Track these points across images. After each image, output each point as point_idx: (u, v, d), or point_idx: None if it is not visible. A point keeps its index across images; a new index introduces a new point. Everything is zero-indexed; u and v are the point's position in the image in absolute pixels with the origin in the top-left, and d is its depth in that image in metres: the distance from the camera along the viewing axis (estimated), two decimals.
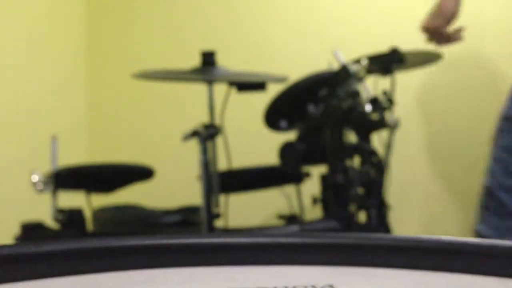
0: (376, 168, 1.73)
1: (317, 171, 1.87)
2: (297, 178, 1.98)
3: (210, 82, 1.71)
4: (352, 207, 1.70)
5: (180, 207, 2.06)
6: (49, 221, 1.81)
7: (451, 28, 1.97)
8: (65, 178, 1.78)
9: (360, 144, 1.74)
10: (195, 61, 1.74)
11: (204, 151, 1.61)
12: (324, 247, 0.53)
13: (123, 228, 1.98)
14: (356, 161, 1.76)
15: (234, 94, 1.85)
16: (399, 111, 1.87)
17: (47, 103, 2.46)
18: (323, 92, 1.79)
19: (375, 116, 1.74)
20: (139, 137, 2.71)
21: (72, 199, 2.04)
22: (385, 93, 1.80)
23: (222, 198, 1.75)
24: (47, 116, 2.44)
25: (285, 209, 2.41)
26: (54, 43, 2.55)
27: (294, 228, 1.73)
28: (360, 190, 1.72)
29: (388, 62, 1.91)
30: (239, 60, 2.44)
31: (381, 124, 1.74)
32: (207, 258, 0.51)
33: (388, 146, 1.79)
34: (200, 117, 1.92)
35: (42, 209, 2.05)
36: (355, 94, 1.75)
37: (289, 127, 1.97)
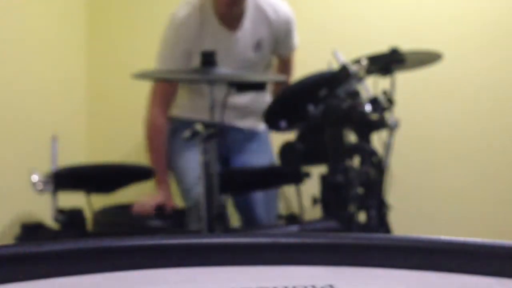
0: (376, 168, 1.73)
1: (317, 171, 1.87)
2: (297, 178, 1.98)
3: (210, 82, 1.71)
4: (352, 207, 1.70)
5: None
6: (49, 221, 1.81)
7: None
8: (65, 178, 1.78)
9: (360, 144, 1.74)
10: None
11: (204, 151, 1.61)
12: (324, 247, 0.53)
13: (123, 229, 1.98)
14: (356, 161, 1.76)
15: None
16: (399, 111, 1.87)
17: (47, 103, 2.46)
18: (323, 92, 1.79)
19: (375, 116, 1.74)
20: (139, 137, 2.71)
21: (72, 199, 2.04)
22: (385, 93, 1.80)
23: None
24: (47, 116, 2.44)
25: (285, 209, 2.41)
26: (54, 42, 2.55)
27: (294, 228, 1.73)
28: (360, 190, 1.72)
29: (388, 62, 1.91)
30: None
31: (381, 124, 1.74)
32: (207, 258, 0.51)
33: (388, 146, 1.79)
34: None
35: (42, 209, 2.04)
36: (355, 94, 1.75)
37: (289, 127, 1.97)
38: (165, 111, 2.20)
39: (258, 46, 2.20)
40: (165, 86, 2.18)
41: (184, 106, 2.28)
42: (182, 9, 2.14)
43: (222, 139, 2.12)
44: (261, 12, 2.22)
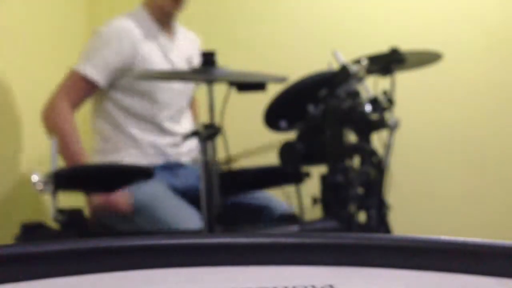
0: (376, 168, 1.73)
1: (317, 171, 1.87)
2: (297, 178, 1.98)
3: (210, 82, 1.71)
4: (352, 207, 1.70)
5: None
6: (49, 221, 1.81)
7: None
8: (65, 178, 1.78)
9: (360, 144, 1.74)
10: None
11: (204, 151, 1.61)
12: (324, 247, 0.53)
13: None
14: (356, 161, 1.76)
15: (234, 94, 1.85)
16: (399, 111, 1.87)
17: None
18: (323, 92, 1.79)
19: (375, 116, 1.74)
20: None
21: (72, 199, 2.04)
22: (385, 93, 1.80)
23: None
24: None
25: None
26: (54, 42, 2.55)
27: (294, 228, 1.73)
28: (360, 190, 1.72)
29: (388, 62, 1.91)
30: (239, 60, 2.44)
31: (381, 124, 1.74)
32: (207, 258, 0.51)
33: (388, 146, 1.79)
34: (200, 117, 1.92)
35: (42, 209, 2.04)
36: (355, 94, 1.75)
37: (289, 127, 1.97)
38: (73, 113, 2.05)
39: (189, 62, 2.17)
40: (83, 88, 2.03)
41: (135, 148, 2.11)
42: (120, 17, 2.14)
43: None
44: (188, 33, 2.29)
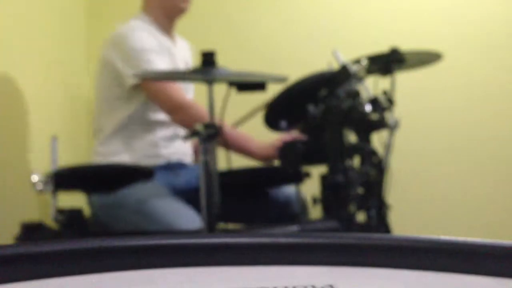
0: (376, 168, 1.73)
1: (317, 171, 1.87)
2: (297, 178, 1.98)
3: (210, 82, 1.71)
4: (352, 207, 1.70)
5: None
6: (49, 221, 1.81)
7: None
8: (65, 178, 1.78)
9: (360, 144, 1.74)
10: (195, 61, 1.74)
11: (204, 151, 1.61)
12: (324, 247, 0.53)
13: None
14: (356, 161, 1.76)
15: (234, 94, 1.85)
16: (399, 111, 1.87)
17: (47, 103, 2.46)
18: (323, 92, 1.79)
19: (375, 116, 1.74)
20: None
21: (72, 199, 2.04)
22: (385, 93, 1.80)
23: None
24: (47, 116, 2.44)
25: None
26: (55, 42, 2.55)
27: (294, 228, 1.73)
28: (360, 190, 1.72)
29: (388, 62, 1.91)
30: (239, 60, 2.44)
31: (381, 124, 1.74)
32: (207, 258, 0.51)
33: (388, 146, 1.79)
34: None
35: (42, 209, 2.04)
36: (355, 94, 1.75)
37: (289, 127, 1.97)
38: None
39: (187, 65, 2.27)
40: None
41: (139, 146, 2.15)
42: (129, 22, 2.16)
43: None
44: (182, 40, 2.34)
